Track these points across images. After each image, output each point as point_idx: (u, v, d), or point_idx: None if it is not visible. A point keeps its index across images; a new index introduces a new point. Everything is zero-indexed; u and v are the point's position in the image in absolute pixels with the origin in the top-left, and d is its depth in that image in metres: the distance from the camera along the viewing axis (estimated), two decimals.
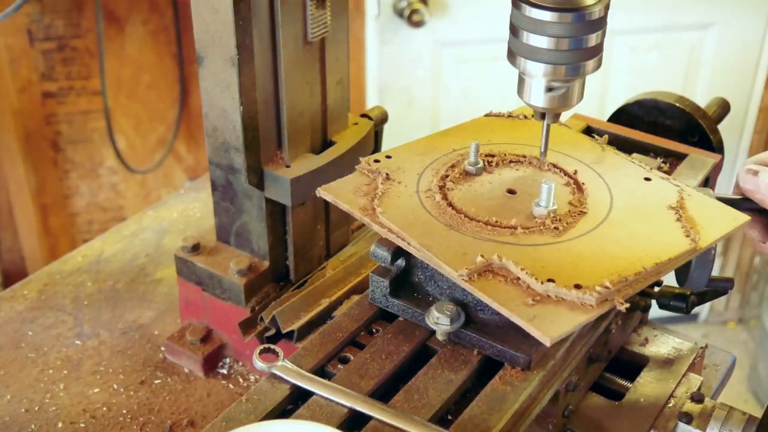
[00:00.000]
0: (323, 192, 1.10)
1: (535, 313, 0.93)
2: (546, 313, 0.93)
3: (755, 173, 1.11)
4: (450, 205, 1.08)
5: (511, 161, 1.18)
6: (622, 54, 2.94)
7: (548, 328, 0.91)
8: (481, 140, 1.20)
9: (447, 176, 1.13)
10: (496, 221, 1.06)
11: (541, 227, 1.05)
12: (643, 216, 1.09)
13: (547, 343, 0.90)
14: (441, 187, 1.11)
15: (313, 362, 1.02)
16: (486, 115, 1.29)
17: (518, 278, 0.97)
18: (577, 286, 0.94)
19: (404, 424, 0.92)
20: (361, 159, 1.14)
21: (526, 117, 1.29)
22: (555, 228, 1.05)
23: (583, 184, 1.14)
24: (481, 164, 1.15)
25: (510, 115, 1.29)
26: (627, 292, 0.96)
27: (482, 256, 0.98)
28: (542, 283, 0.95)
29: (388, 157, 1.15)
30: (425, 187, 1.11)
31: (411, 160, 1.16)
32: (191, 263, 1.36)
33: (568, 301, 0.94)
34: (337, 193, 1.09)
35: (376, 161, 1.14)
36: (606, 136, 1.28)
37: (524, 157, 1.19)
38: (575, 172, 1.16)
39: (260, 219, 1.31)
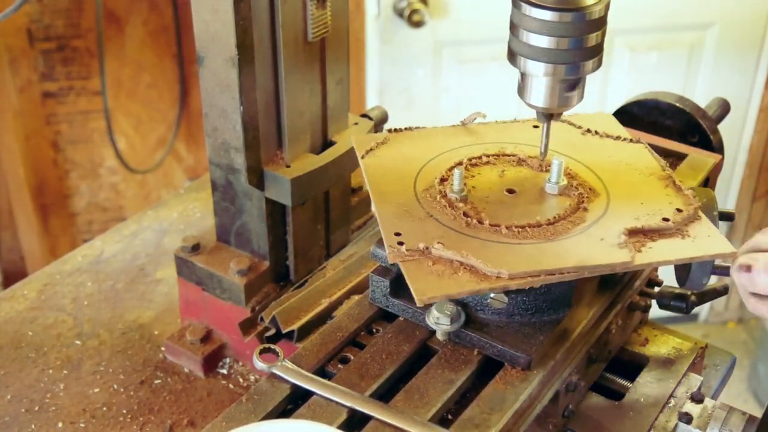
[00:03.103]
0: (429, 298, 0.96)
1: (694, 240, 1.05)
2: (698, 236, 1.06)
3: (748, 268, 1.03)
4: (520, 227, 1.06)
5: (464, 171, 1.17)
6: (622, 54, 2.93)
7: (715, 244, 1.04)
8: (411, 169, 1.16)
9: (467, 214, 1.08)
10: (564, 213, 1.08)
11: (585, 198, 1.11)
12: (597, 148, 1.22)
13: (730, 250, 1.03)
14: (480, 220, 1.07)
15: (313, 362, 1.02)
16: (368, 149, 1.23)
17: (645, 233, 1.05)
18: (679, 210, 1.09)
19: (404, 424, 0.92)
20: (388, 253, 1.01)
21: (398, 130, 1.25)
22: (591, 190, 1.13)
23: (527, 155, 1.20)
24: (465, 191, 1.11)
25: (387, 137, 1.24)
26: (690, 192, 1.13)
27: (622, 233, 1.04)
28: (671, 221, 1.06)
29: (398, 234, 1.04)
30: (458, 227, 1.06)
31: (407, 219, 1.07)
32: (191, 263, 1.36)
33: (688, 224, 1.07)
34: (442, 288, 0.97)
35: (400, 243, 1.02)
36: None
37: (461, 163, 1.17)
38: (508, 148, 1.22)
39: (260, 219, 1.31)
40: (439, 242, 1.02)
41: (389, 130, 1.26)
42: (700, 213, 1.09)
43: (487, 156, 1.20)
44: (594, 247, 1.03)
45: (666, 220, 1.07)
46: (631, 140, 1.25)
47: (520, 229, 1.05)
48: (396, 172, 1.17)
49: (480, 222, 1.06)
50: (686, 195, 1.12)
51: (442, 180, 1.14)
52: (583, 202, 1.11)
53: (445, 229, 1.05)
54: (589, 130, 1.27)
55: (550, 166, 1.14)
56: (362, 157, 1.20)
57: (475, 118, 1.26)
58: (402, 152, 1.21)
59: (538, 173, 1.17)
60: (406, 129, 1.26)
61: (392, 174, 1.16)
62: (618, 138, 1.25)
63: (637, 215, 1.08)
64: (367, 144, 1.22)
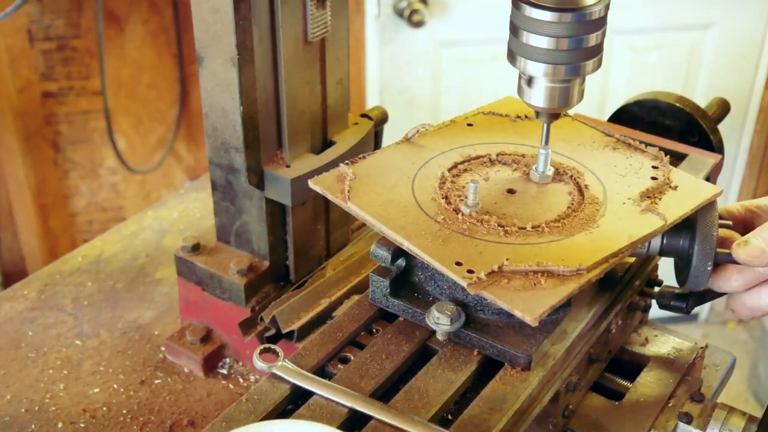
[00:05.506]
0: (540, 315, 0.94)
1: (685, 189, 1.13)
2: (684, 185, 1.14)
3: (746, 244, 1.03)
4: (558, 222, 1.07)
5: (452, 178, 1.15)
6: (622, 54, 2.94)
7: (704, 188, 1.12)
8: (403, 196, 1.11)
9: (501, 224, 1.06)
10: (578, 198, 1.11)
11: (578, 178, 1.15)
12: (538, 131, 1.19)
13: (718, 189, 1.11)
14: (520, 226, 1.06)
15: (313, 362, 1.02)
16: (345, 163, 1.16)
17: (649, 196, 1.11)
18: (654, 167, 1.17)
19: (404, 424, 0.92)
20: (467, 286, 0.96)
21: (354, 161, 1.16)
22: (574, 169, 1.16)
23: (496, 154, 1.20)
24: (480, 204, 1.09)
25: (353, 172, 1.14)
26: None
27: (639, 200, 1.10)
28: (659, 178, 1.14)
29: (459, 263, 0.99)
30: (500, 239, 1.04)
31: (451, 246, 1.02)
32: (191, 263, 1.36)
33: (668, 175, 1.15)
34: (544, 301, 0.95)
35: (470, 271, 0.98)
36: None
37: (445, 180, 1.14)
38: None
39: (260, 219, 1.31)
40: (507, 258, 1.00)
41: (346, 163, 1.14)
42: (669, 164, 1.17)
43: (461, 163, 1.17)
44: (627, 220, 1.07)
45: (654, 178, 1.13)
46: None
47: (559, 225, 1.06)
48: (393, 204, 1.09)
49: (521, 228, 1.05)
50: (646, 150, 1.19)
51: (446, 199, 1.10)
52: (579, 182, 1.14)
53: (494, 245, 1.03)
54: (519, 117, 1.28)
55: (522, 159, 1.18)
56: (348, 201, 1.09)
57: (417, 131, 1.24)
58: (378, 182, 1.13)
59: (517, 168, 1.17)
60: (360, 158, 1.17)
61: (391, 207, 1.08)
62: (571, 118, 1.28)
63: (628, 181, 1.14)
64: (336, 185, 1.11)
